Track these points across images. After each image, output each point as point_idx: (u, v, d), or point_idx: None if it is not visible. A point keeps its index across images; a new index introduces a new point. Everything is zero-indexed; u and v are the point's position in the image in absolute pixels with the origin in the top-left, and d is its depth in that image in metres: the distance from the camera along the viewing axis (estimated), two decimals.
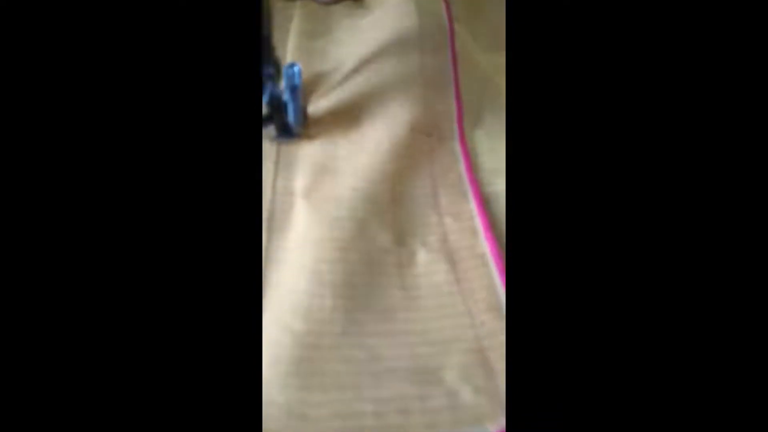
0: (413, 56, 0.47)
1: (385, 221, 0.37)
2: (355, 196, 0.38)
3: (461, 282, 0.34)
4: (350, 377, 0.30)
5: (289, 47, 0.51)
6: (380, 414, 0.29)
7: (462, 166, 0.41)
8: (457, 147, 0.42)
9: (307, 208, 0.38)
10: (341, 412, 0.29)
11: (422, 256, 0.36)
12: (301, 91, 0.42)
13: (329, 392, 0.29)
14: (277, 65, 0.40)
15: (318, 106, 0.46)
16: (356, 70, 0.48)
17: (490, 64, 0.51)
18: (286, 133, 0.43)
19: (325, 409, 0.29)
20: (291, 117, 0.42)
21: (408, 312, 0.33)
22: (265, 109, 0.41)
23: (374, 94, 0.45)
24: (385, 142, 0.41)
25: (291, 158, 0.42)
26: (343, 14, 0.56)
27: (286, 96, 0.42)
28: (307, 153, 0.43)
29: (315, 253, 0.35)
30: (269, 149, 0.43)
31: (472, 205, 0.39)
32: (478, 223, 0.37)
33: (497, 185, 0.40)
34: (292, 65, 0.42)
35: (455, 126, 0.44)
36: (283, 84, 0.41)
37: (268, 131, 0.43)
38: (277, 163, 0.42)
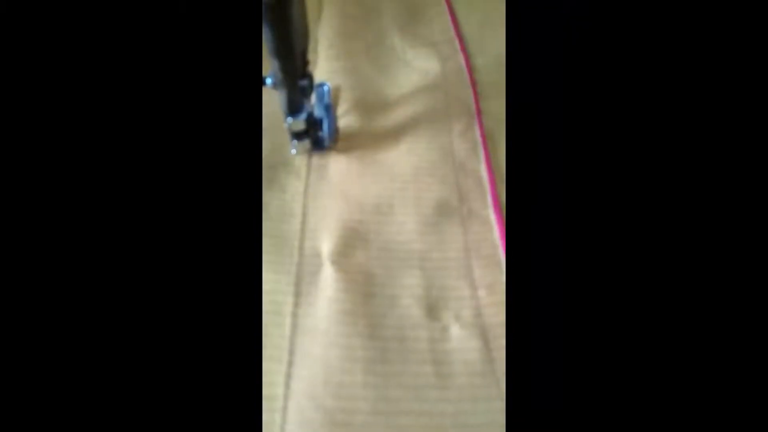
0: (442, 141, 0.51)
1: (417, 295, 0.39)
2: (385, 274, 0.40)
3: (494, 362, 0.36)
4: None
5: None
6: None
7: (496, 235, 0.43)
8: (492, 215, 0.44)
9: (336, 275, 0.40)
10: None
11: (455, 332, 0.37)
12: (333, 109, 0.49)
13: None
14: (310, 79, 0.44)
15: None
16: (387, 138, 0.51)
17: None
18: (319, 146, 0.49)
19: None
20: (325, 132, 0.48)
21: (440, 391, 0.34)
22: (302, 125, 0.46)
23: (404, 174, 0.48)
24: (413, 222, 0.44)
25: (318, 190, 0.47)
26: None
27: (320, 113, 0.48)
28: (335, 212, 0.45)
29: (346, 327, 0.37)
30: (302, 167, 0.48)
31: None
32: None
33: None
34: (321, 84, 0.49)
35: (489, 196, 0.45)
36: (314, 101, 0.47)
37: (303, 145, 0.48)
38: (306, 192, 0.46)
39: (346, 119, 0.52)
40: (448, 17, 0.65)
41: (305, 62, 0.42)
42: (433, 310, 0.38)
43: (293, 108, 0.44)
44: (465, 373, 0.35)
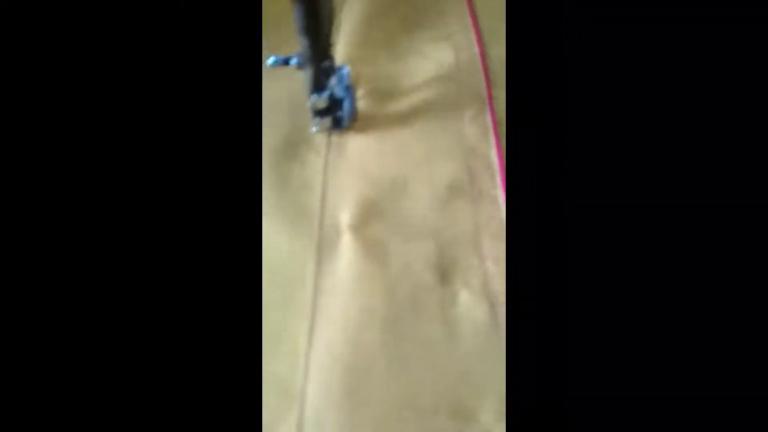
0: (454, 126, 0.53)
1: (431, 262, 0.42)
2: (401, 242, 0.43)
3: (500, 327, 0.39)
4: (395, 411, 0.35)
5: None
6: None
7: (504, 213, 0.46)
8: (500, 195, 0.47)
9: (355, 244, 0.43)
10: None
11: (464, 296, 0.40)
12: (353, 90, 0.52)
13: (377, 425, 0.34)
14: (332, 60, 0.47)
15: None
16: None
17: None
18: (338, 125, 0.52)
19: None
20: (345, 112, 0.51)
21: (449, 345, 0.38)
22: (325, 103, 0.49)
23: (418, 155, 0.51)
24: (426, 198, 0.47)
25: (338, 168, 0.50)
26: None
27: (341, 93, 0.51)
28: (352, 187, 0.48)
29: (365, 287, 0.40)
30: (321, 145, 0.51)
31: None
32: None
33: None
34: (341, 67, 0.52)
35: (498, 177, 0.48)
36: (334, 82, 0.50)
37: (324, 123, 0.51)
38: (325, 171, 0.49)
39: (363, 103, 0.55)
40: (466, 8, 0.67)
41: (329, 44, 0.45)
42: (444, 276, 0.42)
43: (317, 85, 0.47)
44: (472, 333, 0.38)
